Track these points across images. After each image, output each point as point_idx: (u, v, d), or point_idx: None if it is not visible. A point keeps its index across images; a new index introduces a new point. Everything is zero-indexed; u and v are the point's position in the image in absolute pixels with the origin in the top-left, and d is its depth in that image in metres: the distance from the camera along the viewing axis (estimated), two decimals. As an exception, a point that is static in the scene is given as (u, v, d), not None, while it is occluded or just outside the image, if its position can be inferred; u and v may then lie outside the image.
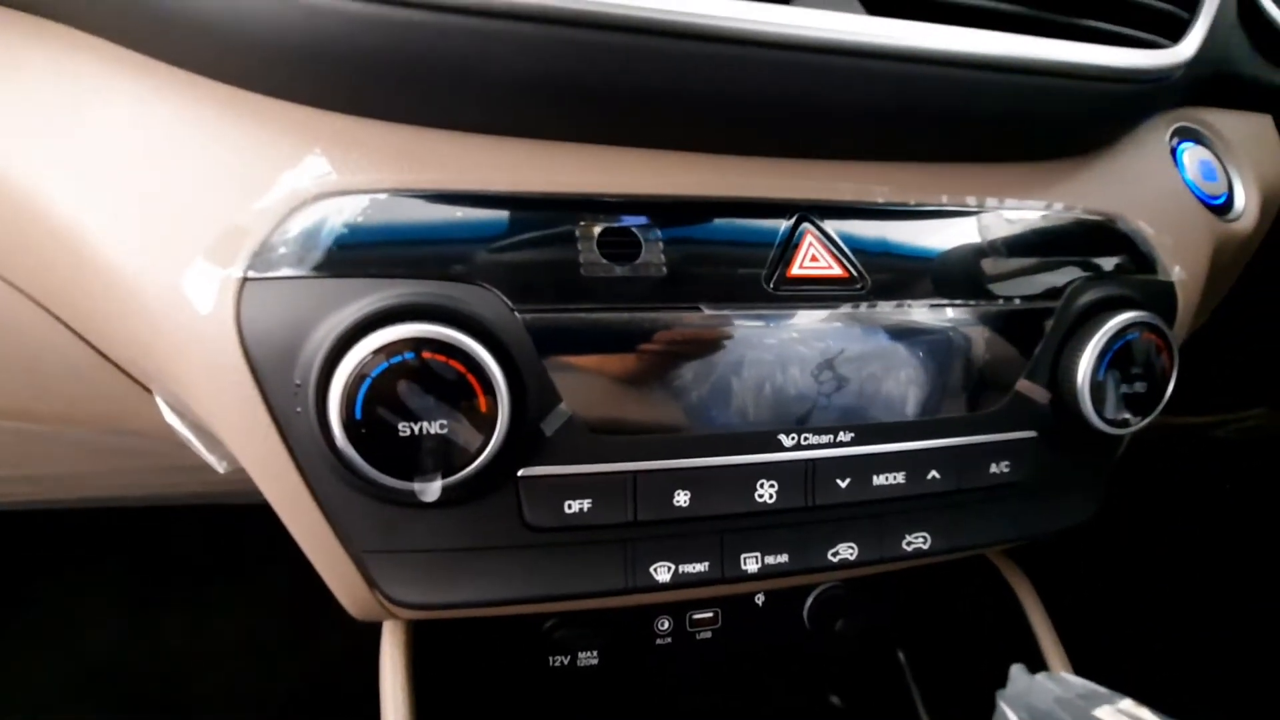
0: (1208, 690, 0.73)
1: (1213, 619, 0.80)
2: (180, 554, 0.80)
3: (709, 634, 0.34)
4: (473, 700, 0.31)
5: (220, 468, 0.23)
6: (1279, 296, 0.36)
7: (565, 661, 0.32)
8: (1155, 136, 0.31)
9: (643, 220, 0.20)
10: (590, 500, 0.20)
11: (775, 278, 0.21)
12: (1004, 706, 0.19)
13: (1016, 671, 0.20)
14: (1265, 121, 0.36)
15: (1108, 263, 0.26)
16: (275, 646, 0.79)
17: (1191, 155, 0.33)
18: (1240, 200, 0.33)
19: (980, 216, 0.24)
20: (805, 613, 0.36)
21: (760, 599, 0.35)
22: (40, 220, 0.19)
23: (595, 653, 0.32)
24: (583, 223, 0.20)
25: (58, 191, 0.19)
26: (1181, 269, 0.27)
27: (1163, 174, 0.30)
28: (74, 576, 0.76)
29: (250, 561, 0.80)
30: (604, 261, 0.20)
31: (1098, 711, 0.18)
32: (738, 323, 0.21)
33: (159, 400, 0.23)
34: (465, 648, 0.28)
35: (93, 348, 0.24)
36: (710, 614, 0.34)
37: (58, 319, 0.23)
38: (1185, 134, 0.34)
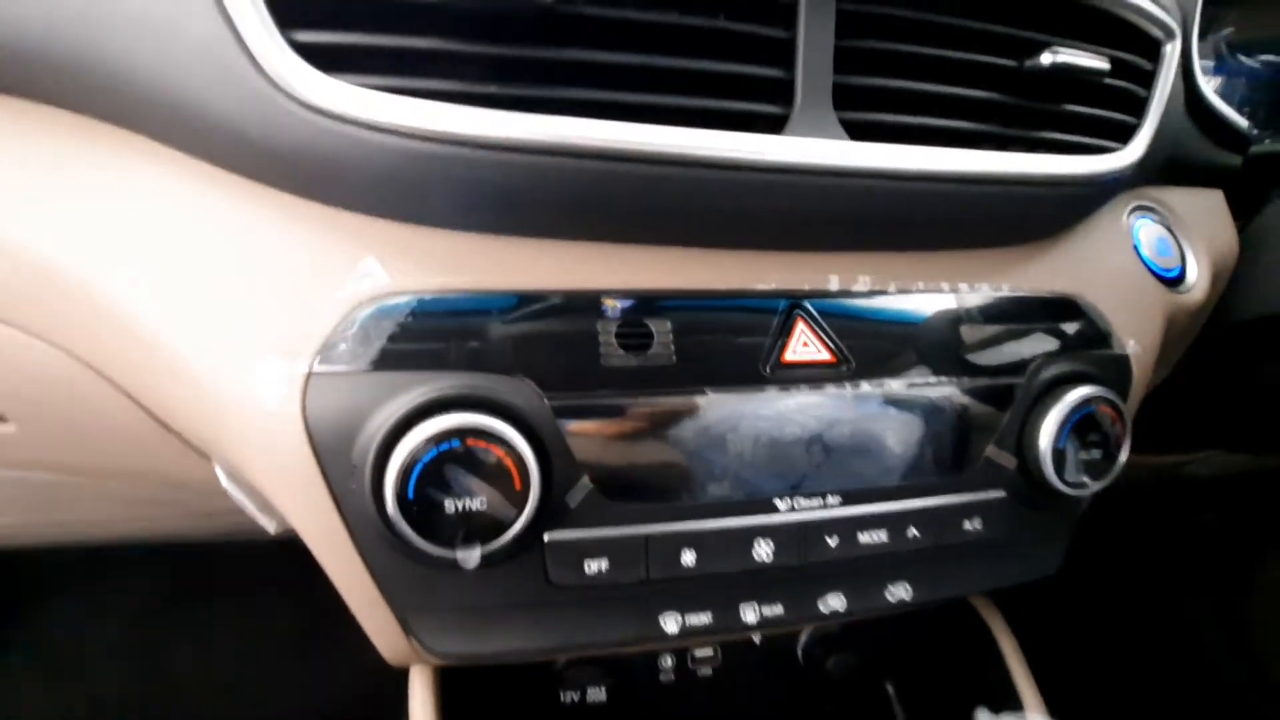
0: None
1: (1182, 657, 0.83)
2: (187, 588, 0.81)
3: (709, 671, 0.37)
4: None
5: (271, 529, 0.26)
6: (1224, 350, 0.39)
7: (576, 699, 0.34)
8: (1114, 216, 0.35)
9: (654, 312, 0.23)
10: (607, 560, 0.23)
11: (771, 363, 0.24)
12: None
13: (983, 716, 0.23)
14: (1216, 196, 0.39)
15: (1068, 339, 0.29)
16: (282, 680, 0.80)
17: (1147, 231, 0.37)
18: (1192, 273, 0.36)
19: (952, 299, 0.27)
20: (800, 650, 0.38)
21: (757, 638, 0.37)
22: (115, 314, 0.22)
23: (604, 689, 0.34)
24: (603, 315, 0.23)
25: (133, 290, 0.22)
26: (1135, 342, 0.30)
27: (1120, 253, 0.34)
28: (79, 607, 0.77)
29: (259, 597, 0.82)
30: (621, 353, 0.23)
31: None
32: (738, 404, 0.24)
33: (216, 468, 0.25)
34: (486, 687, 0.31)
35: (151, 416, 0.27)
36: (710, 652, 0.37)
37: (120, 390, 0.26)
38: (1143, 210, 0.37)
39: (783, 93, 0.23)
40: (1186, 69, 0.34)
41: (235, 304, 0.21)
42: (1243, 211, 0.39)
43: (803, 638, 0.38)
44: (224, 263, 0.21)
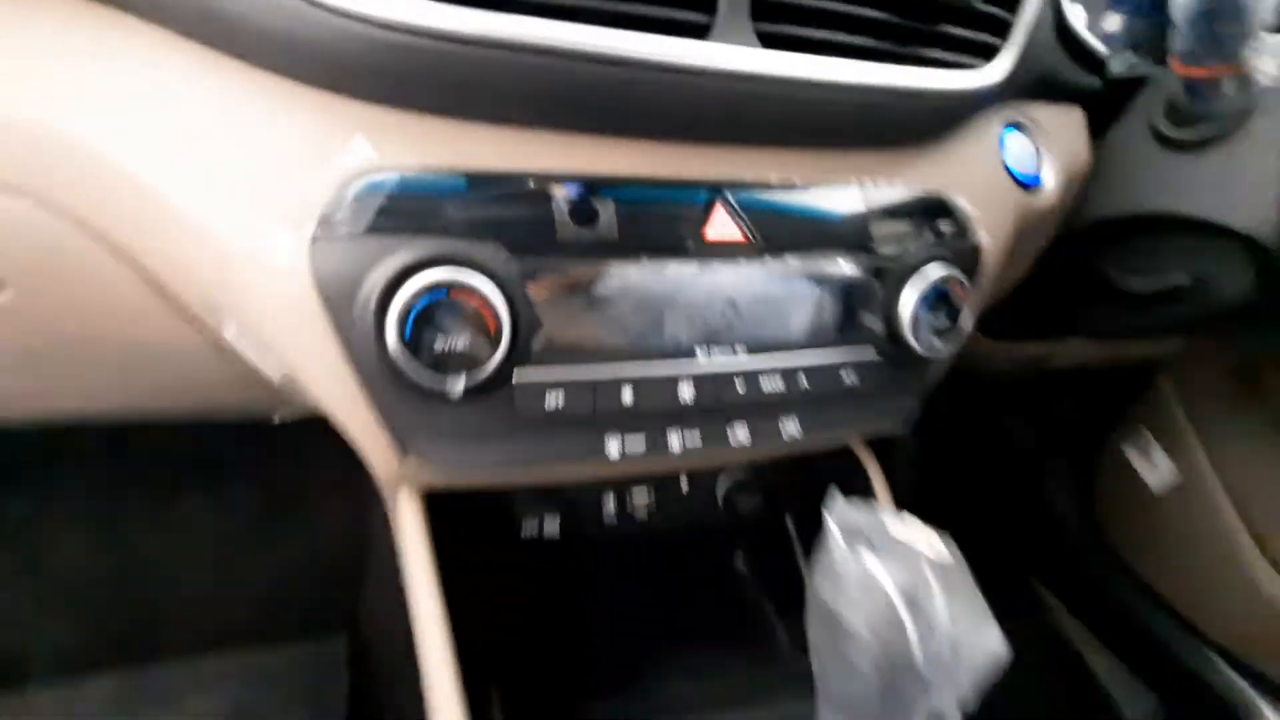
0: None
1: (1041, 525, 1.00)
2: (147, 471, 0.82)
3: (645, 514, 0.44)
4: (464, 564, 0.40)
5: (276, 378, 0.31)
6: (1074, 249, 0.47)
7: (535, 533, 0.41)
8: (988, 127, 0.41)
9: (599, 194, 0.28)
10: (562, 396, 0.29)
11: (694, 239, 0.30)
12: (829, 519, 0.30)
13: (835, 492, 0.31)
14: (1078, 114, 0.46)
15: (934, 228, 0.35)
16: (243, 559, 0.85)
17: (1014, 142, 0.43)
18: (1048, 180, 0.44)
19: (844, 192, 0.33)
20: (719, 495, 0.46)
21: (685, 485, 0.45)
22: (141, 191, 0.25)
23: (558, 525, 0.41)
24: (558, 196, 0.28)
25: (158, 167, 0.25)
26: (989, 235, 0.37)
27: (988, 159, 0.40)
28: (35, 491, 0.75)
29: (219, 481, 0.85)
30: (573, 226, 0.28)
31: (887, 521, 0.29)
32: (667, 271, 0.29)
33: (225, 325, 0.30)
34: (459, 517, 0.37)
35: (152, 286, 0.30)
36: (646, 498, 0.44)
37: (125, 261, 0.29)
38: (1014, 124, 0.43)
39: (707, 5, 0.27)
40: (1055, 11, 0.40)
41: (246, 180, 0.25)
42: (1099, 128, 0.47)
43: (720, 485, 0.46)
44: (238, 144, 0.25)
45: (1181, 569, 0.93)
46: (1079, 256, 0.49)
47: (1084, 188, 0.46)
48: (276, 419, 0.56)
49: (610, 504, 0.43)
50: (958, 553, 0.30)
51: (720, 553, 0.49)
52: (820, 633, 0.31)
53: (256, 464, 0.85)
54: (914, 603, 0.28)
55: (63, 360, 0.39)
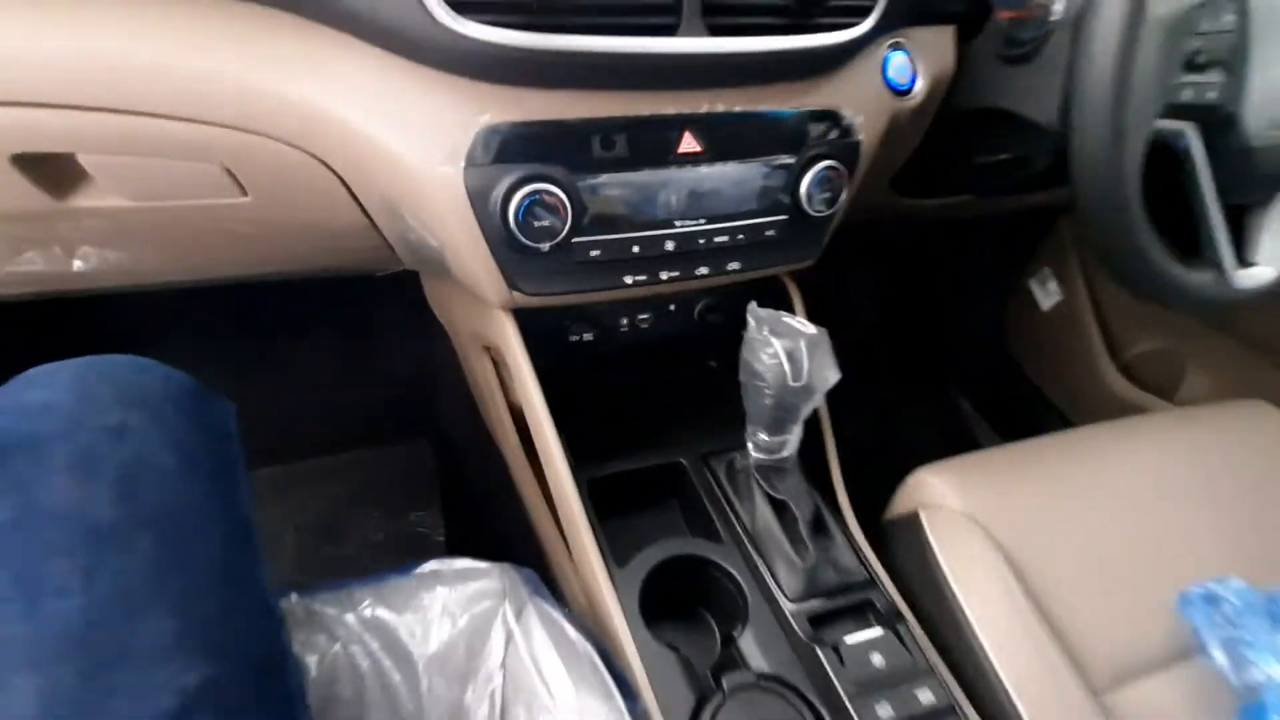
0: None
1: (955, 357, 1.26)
2: (250, 324, 1.03)
3: (646, 325, 0.67)
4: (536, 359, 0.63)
5: (435, 244, 0.52)
6: (946, 130, 0.67)
7: (578, 339, 0.64)
8: (875, 52, 0.58)
9: (618, 129, 0.48)
10: (600, 250, 0.51)
11: (673, 152, 0.50)
12: (749, 313, 0.53)
13: (753, 303, 0.54)
14: (948, 32, 0.63)
15: (826, 132, 0.55)
16: (337, 383, 1.09)
17: (895, 60, 0.60)
18: (918, 87, 0.61)
19: (768, 113, 0.53)
20: (695, 314, 0.69)
21: (673, 307, 0.68)
22: (358, 137, 0.45)
23: (592, 334, 0.64)
24: (593, 132, 0.48)
25: (368, 123, 0.45)
26: (865, 133, 0.57)
27: (872, 77, 0.58)
28: (178, 343, 0.95)
29: (306, 329, 1.07)
30: (601, 150, 0.48)
31: (783, 315, 0.52)
32: (657, 174, 0.50)
33: (405, 214, 0.51)
34: (535, 325, 0.60)
35: (350, 193, 0.51)
36: (646, 315, 0.67)
37: (337, 177, 0.50)
38: (895, 45, 0.61)
39: (675, 13, 0.45)
40: None
41: (423, 129, 0.45)
42: (969, 37, 0.64)
43: (696, 307, 0.69)
44: (416, 108, 0.44)
45: (1056, 371, 1.20)
46: (950, 136, 0.68)
47: (952, 85, 0.65)
48: (380, 273, 0.78)
49: (624, 319, 0.65)
50: (824, 333, 0.54)
51: (697, 352, 0.74)
52: (745, 379, 0.55)
53: (337, 318, 1.08)
54: (791, 358, 0.52)
55: (268, 237, 0.61)
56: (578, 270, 0.51)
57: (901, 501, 0.63)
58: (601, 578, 0.54)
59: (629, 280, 0.53)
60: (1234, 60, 0.47)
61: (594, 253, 0.51)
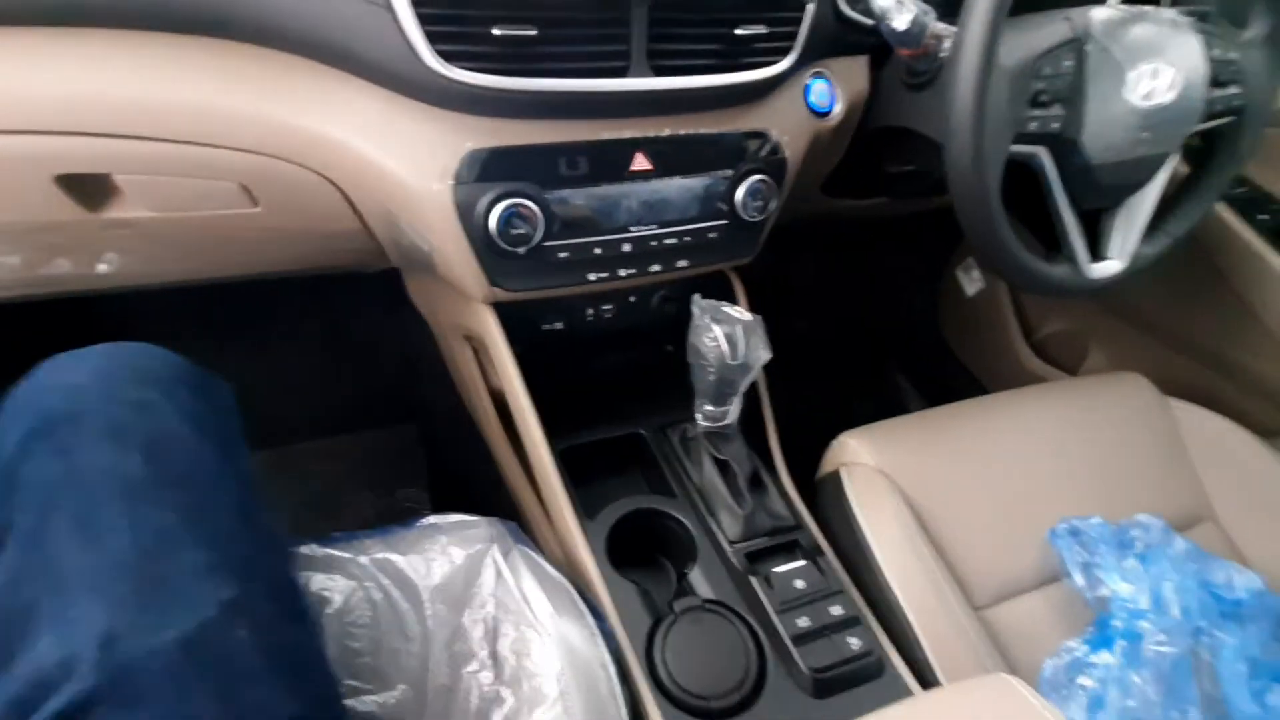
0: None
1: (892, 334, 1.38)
2: (237, 324, 1.10)
3: (610, 315, 0.77)
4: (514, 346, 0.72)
5: (425, 247, 0.61)
6: (863, 145, 0.78)
7: (548, 328, 0.74)
8: (799, 80, 0.69)
9: (582, 151, 0.58)
10: (568, 253, 0.60)
11: (627, 170, 0.60)
12: (694, 303, 0.63)
13: (697, 295, 0.64)
14: (862, 60, 0.74)
15: (756, 150, 0.65)
16: (324, 375, 1.16)
17: (816, 87, 0.71)
18: (837, 109, 0.72)
19: (707, 135, 0.63)
20: (652, 304, 0.79)
21: (633, 299, 0.77)
22: (359, 157, 0.54)
23: (561, 323, 0.74)
24: (560, 154, 0.57)
25: (368, 147, 0.53)
26: (790, 151, 0.67)
27: (796, 102, 0.69)
28: (176, 339, 1.04)
29: (293, 327, 1.14)
30: (567, 169, 0.58)
31: (723, 305, 0.63)
32: (616, 188, 0.60)
33: (401, 223, 0.60)
34: (511, 317, 0.69)
35: (351, 205, 0.60)
36: (610, 306, 0.76)
37: (340, 192, 0.58)
38: (817, 74, 0.71)
39: (624, 58, 0.55)
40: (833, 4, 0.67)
41: (417, 152, 0.54)
42: (875, 68, 0.75)
43: (654, 298, 0.79)
44: (409, 134, 0.53)
45: (980, 350, 1.33)
46: (866, 148, 0.79)
47: (867, 106, 0.76)
48: (367, 271, 0.86)
49: (590, 310, 0.72)
50: (759, 319, 0.64)
51: (655, 338, 0.83)
52: (692, 359, 0.65)
53: (325, 313, 1.15)
54: (730, 340, 0.62)
55: (271, 240, 0.69)
56: (549, 269, 0.61)
57: (828, 461, 0.75)
58: (575, 529, 0.64)
59: (593, 277, 0.63)
60: (1073, 97, 0.58)
61: (563, 254, 0.60)
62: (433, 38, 0.49)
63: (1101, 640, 0.62)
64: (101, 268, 0.68)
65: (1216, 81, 0.62)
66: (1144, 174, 0.64)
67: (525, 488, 0.76)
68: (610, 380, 0.75)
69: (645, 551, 0.70)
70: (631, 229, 0.62)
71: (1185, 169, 0.73)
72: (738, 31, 0.58)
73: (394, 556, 0.54)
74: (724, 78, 0.59)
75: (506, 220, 0.55)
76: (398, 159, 0.54)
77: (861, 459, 0.70)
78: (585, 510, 0.66)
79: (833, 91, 0.71)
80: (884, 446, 0.71)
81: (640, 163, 0.60)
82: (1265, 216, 0.80)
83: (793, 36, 0.62)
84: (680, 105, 0.60)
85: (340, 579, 0.53)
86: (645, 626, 0.58)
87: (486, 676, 0.51)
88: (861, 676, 0.58)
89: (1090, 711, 0.59)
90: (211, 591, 0.33)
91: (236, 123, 0.53)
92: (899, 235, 1.37)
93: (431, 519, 0.59)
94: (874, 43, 0.73)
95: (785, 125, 0.67)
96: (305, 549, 0.54)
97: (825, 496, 0.72)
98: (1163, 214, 0.69)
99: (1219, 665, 0.64)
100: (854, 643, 0.58)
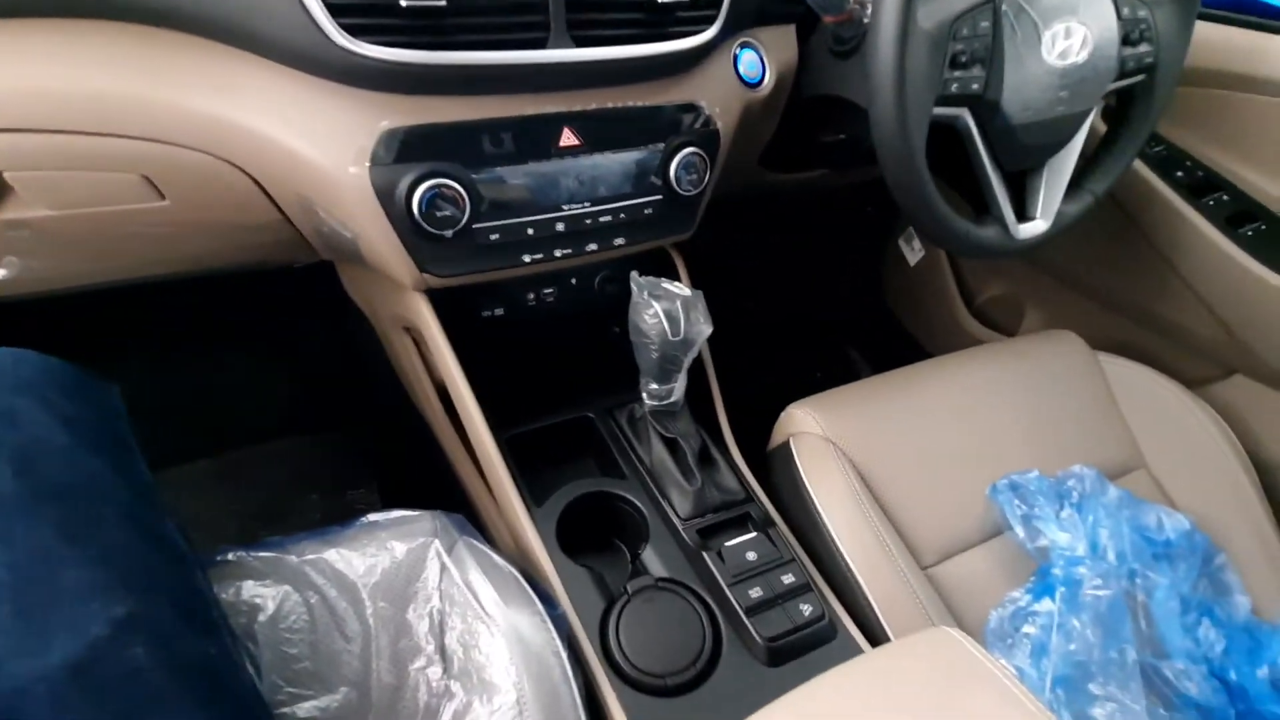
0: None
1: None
2: (183, 331, 1.05)
3: (551, 299, 0.75)
4: (452, 335, 0.70)
5: (348, 235, 0.59)
6: (796, 116, 0.78)
7: (488, 314, 0.72)
8: (727, 49, 0.68)
9: (506, 127, 0.56)
10: (499, 234, 0.59)
11: (555, 146, 0.58)
12: (633, 280, 0.62)
13: (634, 272, 0.63)
14: (790, 30, 0.74)
15: (688, 122, 0.64)
16: (271, 378, 1.12)
17: (745, 57, 0.71)
18: (767, 79, 0.72)
19: (635, 108, 0.62)
20: (595, 285, 0.78)
21: (574, 281, 0.76)
22: (272, 143, 0.51)
23: (502, 309, 0.72)
24: (484, 131, 0.55)
25: (281, 133, 0.51)
26: (721, 122, 0.67)
27: (725, 72, 0.68)
28: (120, 344, 0.96)
29: (235, 332, 1.10)
30: (492, 146, 0.56)
31: (663, 281, 0.62)
32: (543, 165, 0.58)
33: (319, 210, 0.57)
34: (447, 303, 0.67)
35: (265, 193, 0.57)
36: (551, 289, 0.75)
37: (252, 180, 0.56)
38: (745, 44, 0.71)
39: (544, 28, 0.53)
40: None
41: (332, 134, 0.51)
42: (808, 35, 0.75)
43: (596, 279, 0.77)
44: (323, 116, 0.51)
45: (923, 318, 1.36)
46: (799, 119, 0.79)
47: (797, 76, 0.75)
48: (297, 265, 0.83)
49: (530, 294, 0.72)
50: (699, 294, 0.64)
51: (599, 320, 0.82)
52: (634, 338, 0.65)
53: (259, 320, 1.11)
54: (670, 316, 0.62)
55: (186, 236, 0.65)
56: (480, 252, 0.59)
57: (778, 433, 0.75)
58: (523, 516, 0.63)
59: (527, 259, 0.62)
60: (991, 58, 0.59)
61: (493, 236, 0.59)
62: (336, 11, 0.47)
63: (1043, 589, 0.64)
64: (1, 273, 0.63)
65: (1128, 40, 0.63)
66: (1064, 134, 0.66)
67: (475, 479, 0.75)
68: (557, 365, 0.73)
69: (600, 535, 0.69)
70: (564, 207, 0.61)
71: (1103, 128, 0.75)
72: (660, 0, 0.56)
73: (330, 556, 0.52)
74: (648, 48, 0.58)
75: (429, 202, 0.54)
76: (310, 142, 0.51)
77: (809, 428, 0.71)
78: (535, 497, 0.65)
79: (762, 61, 0.71)
80: (830, 415, 0.72)
81: (568, 138, 0.59)
82: (1181, 174, 0.83)
83: (717, 5, 0.61)
84: (606, 78, 0.59)
85: (272, 584, 0.51)
86: (599, 610, 0.57)
87: (435, 672, 0.50)
88: (814, 642, 0.58)
89: (1034, 658, 0.61)
90: (100, 610, 0.32)
91: (130, 109, 0.49)
92: (842, 207, 1.39)
93: (372, 516, 0.57)
94: (800, 11, 0.72)
95: (716, 96, 0.66)
96: (233, 555, 0.51)
97: (776, 467, 0.72)
98: (1084, 173, 0.71)
99: (1153, 604, 0.67)
100: (806, 609, 0.59)
